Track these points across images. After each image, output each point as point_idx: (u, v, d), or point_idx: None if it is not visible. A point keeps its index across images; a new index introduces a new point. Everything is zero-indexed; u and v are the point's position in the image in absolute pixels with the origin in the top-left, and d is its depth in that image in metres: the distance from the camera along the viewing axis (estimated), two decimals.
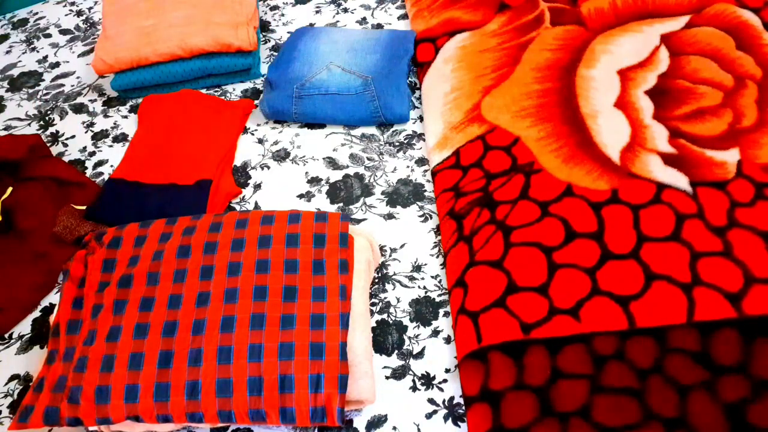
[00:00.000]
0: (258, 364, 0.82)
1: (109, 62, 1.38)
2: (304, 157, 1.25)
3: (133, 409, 0.81)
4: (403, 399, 0.89)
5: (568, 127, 1.17)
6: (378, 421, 0.87)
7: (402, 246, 1.07)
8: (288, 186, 1.20)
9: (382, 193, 1.16)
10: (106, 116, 1.42)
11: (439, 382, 0.90)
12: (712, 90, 1.18)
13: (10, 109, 1.47)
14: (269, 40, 1.57)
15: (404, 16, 1.57)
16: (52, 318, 0.94)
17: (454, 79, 1.32)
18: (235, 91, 1.44)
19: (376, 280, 1.03)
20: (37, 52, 1.64)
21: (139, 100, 1.44)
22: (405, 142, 1.25)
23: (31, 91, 1.51)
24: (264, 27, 1.60)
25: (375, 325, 0.97)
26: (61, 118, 1.42)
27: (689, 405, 0.81)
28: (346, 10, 1.61)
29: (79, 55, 1.60)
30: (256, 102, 1.39)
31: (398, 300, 1.00)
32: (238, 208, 1.18)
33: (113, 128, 1.39)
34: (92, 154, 1.33)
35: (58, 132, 1.39)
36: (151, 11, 1.46)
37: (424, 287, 1.02)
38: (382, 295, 1.01)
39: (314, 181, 1.20)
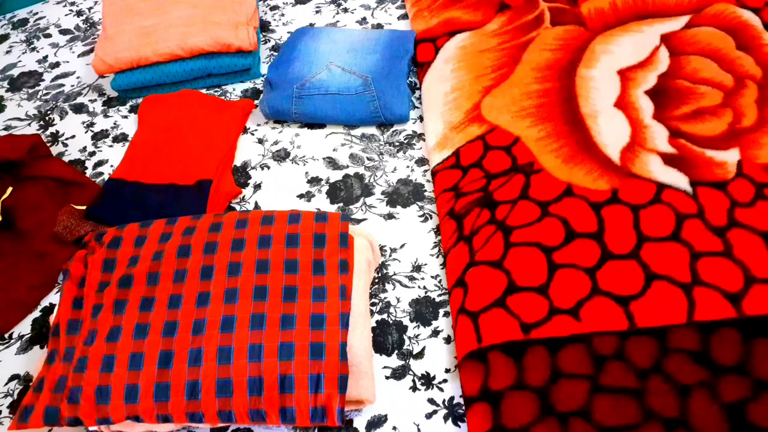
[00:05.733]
0: (258, 364, 0.82)
1: (109, 62, 1.38)
2: (304, 157, 1.25)
3: (133, 409, 0.81)
4: (403, 399, 0.89)
5: (568, 127, 1.17)
6: (378, 421, 0.87)
7: (402, 246, 1.07)
8: (288, 186, 1.20)
9: (382, 193, 1.16)
10: (106, 116, 1.42)
11: (439, 382, 0.90)
12: (712, 90, 1.18)
13: (10, 109, 1.47)
14: (269, 40, 1.57)
15: (404, 16, 1.57)
16: (52, 318, 0.94)
17: (454, 79, 1.32)
18: (235, 91, 1.44)
19: (376, 280, 1.03)
20: (37, 52, 1.64)
21: (139, 100, 1.44)
22: (405, 142, 1.25)
23: (31, 91, 1.51)
24: (264, 27, 1.60)
25: (375, 325, 0.97)
26: (61, 118, 1.42)
27: (689, 405, 0.81)
28: (346, 10, 1.61)
29: (79, 55, 1.60)
30: (256, 102, 1.39)
31: (398, 300, 1.00)
32: (238, 208, 1.18)
33: (113, 128, 1.39)
34: (92, 154, 1.33)
35: (58, 132, 1.39)
36: (152, 11, 1.46)
37: (424, 287, 1.02)
38: (382, 295, 1.01)
39: (314, 181, 1.20)
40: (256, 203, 1.18)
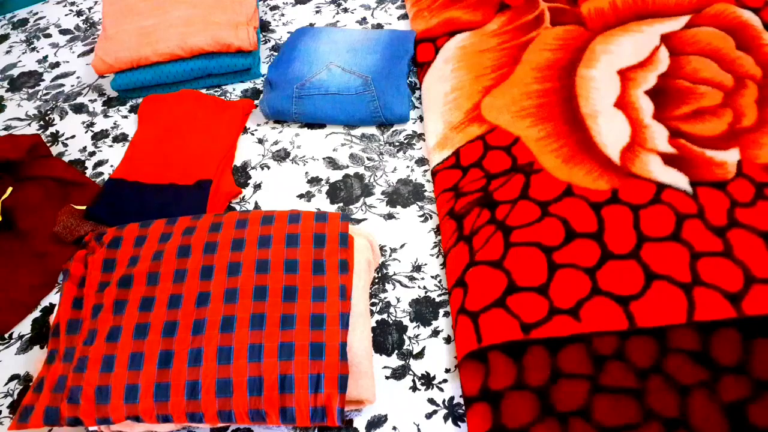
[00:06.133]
0: (258, 364, 0.82)
1: (109, 62, 1.38)
2: (304, 157, 1.25)
3: (133, 409, 0.81)
4: (403, 399, 0.89)
5: (568, 127, 1.17)
6: (378, 421, 0.87)
7: (402, 246, 1.07)
8: (288, 186, 1.20)
9: (382, 193, 1.16)
10: (106, 116, 1.42)
11: (439, 382, 0.90)
12: (712, 90, 1.18)
13: (10, 109, 1.47)
14: (269, 40, 1.57)
15: (404, 16, 1.57)
16: (52, 318, 0.94)
17: (454, 79, 1.32)
18: (235, 91, 1.44)
19: (376, 280, 1.03)
20: (37, 52, 1.64)
21: (139, 100, 1.44)
22: (405, 142, 1.25)
23: (31, 91, 1.51)
24: (264, 27, 1.60)
25: (375, 325, 0.97)
26: (61, 118, 1.42)
27: (689, 405, 0.81)
28: (346, 10, 1.61)
29: (79, 55, 1.60)
30: (256, 102, 1.39)
31: (398, 300, 1.00)
32: (238, 208, 1.18)
33: (113, 128, 1.39)
34: (92, 154, 1.33)
35: (58, 132, 1.39)
36: (151, 11, 1.46)
37: (424, 287, 1.02)
38: (382, 295, 1.01)
39: (314, 181, 1.20)
40: (256, 203, 1.18)
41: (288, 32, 1.58)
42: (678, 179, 1.05)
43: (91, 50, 1.61)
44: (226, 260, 0.92)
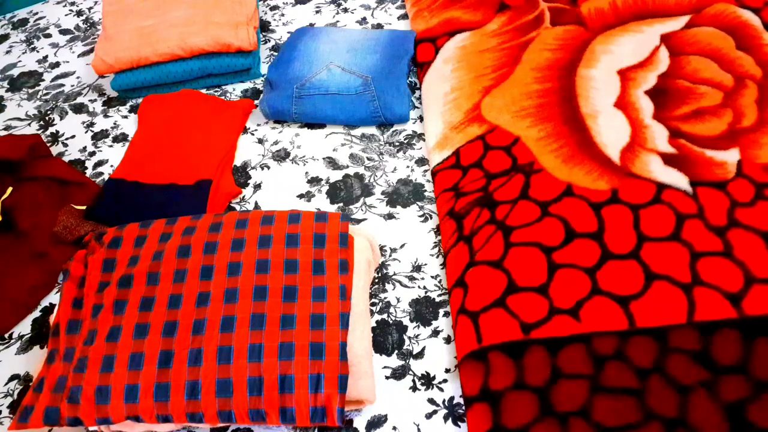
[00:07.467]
0: (258, 364, 0.82)
1: (109, 62, 1.38)
2: (304, 157, 1.25)
3: (133, 409, 0.81)
4: (403, 399, 0.89)
5: (568, 127, 1.17)
6: (378, 421, 0.87)
7: (402, 246, 1.07)
8: (288, 186, 1.20)
9: (382, 193, 1.16)
10: (106, 116, 1.42)
11: (439, 382, 0.90)
12: (712, 90, 1.18)
13: (10, 109, 1.47)
14: (269, 40, 1.57)
15: (404, 16, 1.57)
16: (52, 318, 0.94)
17: (454, 79, 1.32)
18: (235, 91, 1.44)
19: (376, 280, 1.03)
20: (37, 52, 1.64)
21: (139, 100, 1.44)
22: (405, 142, 1.25)
23: (31, 91, 1.51)
24: (264, 27, 1.60)
25: (375, 325, 0.97)
26: (61, 118, 1.42)
27: (689, 405, 0.81)
28: (346, 10, 1.61)
29: (79, 55, 1.60)
30: (256, 102, 1.39)
31: (398, 300, 1.00)
32: (238, 208, 1.18)
33: (113, 128, 1.39)
34: (92, 154, 1.33)
35: (58, 132, 1.39)
36: (151, 11, 1.46)
37: (424, 287, 1.02)
38: (382, 295, 1.01)
39: (314, 181, 1.20)
40: (256, 203, 1.18)
41: (288, 32, 1.58)
42: (678, 179, 1.05)
43: (91, 50, 1.61)
44: (226, 260, 0.92)
